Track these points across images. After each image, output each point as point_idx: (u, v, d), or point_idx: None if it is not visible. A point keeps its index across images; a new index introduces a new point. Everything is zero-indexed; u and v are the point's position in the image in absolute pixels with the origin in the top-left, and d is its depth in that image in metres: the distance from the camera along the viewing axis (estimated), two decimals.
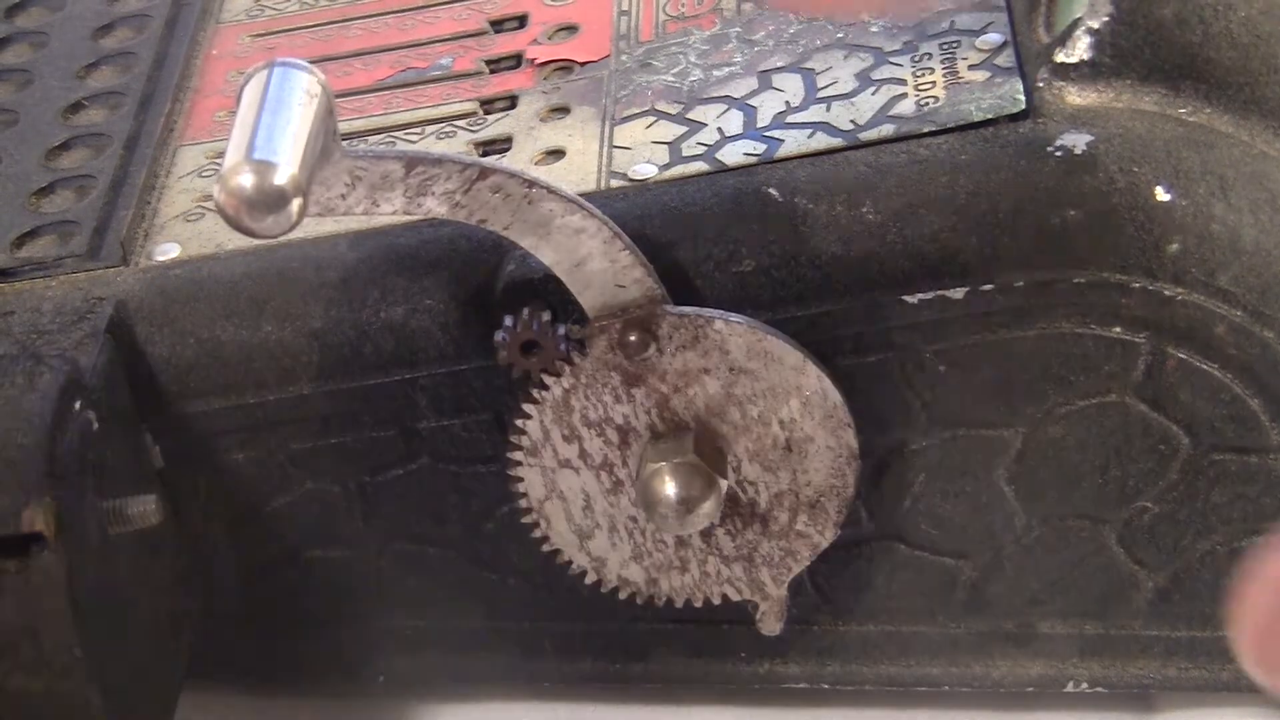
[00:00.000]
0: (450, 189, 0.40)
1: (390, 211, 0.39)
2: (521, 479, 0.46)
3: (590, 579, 0.47)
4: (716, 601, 0.47)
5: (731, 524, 0.45)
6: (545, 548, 0.47)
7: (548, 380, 0.44)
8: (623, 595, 0.47)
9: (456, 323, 0.46)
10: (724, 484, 0.44)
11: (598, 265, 0.42)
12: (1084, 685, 0.50)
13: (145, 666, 0.46)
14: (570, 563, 0.47)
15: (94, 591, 0.42)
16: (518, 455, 0.45)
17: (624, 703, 0.53)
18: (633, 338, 0.43)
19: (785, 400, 0.44)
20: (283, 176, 0.36)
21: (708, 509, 0.44)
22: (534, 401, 0.44)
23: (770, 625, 0.47)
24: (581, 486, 0.45)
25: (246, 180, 0.36)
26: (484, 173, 0.40)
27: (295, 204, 0.36)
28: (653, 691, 0.52)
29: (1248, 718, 0.51)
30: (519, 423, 0.45)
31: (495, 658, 0.52)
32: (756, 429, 0.44)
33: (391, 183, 0.39)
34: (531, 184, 0.40)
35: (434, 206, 0.40)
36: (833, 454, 0.44)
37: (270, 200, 0.36)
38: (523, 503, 0.46)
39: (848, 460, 0.44)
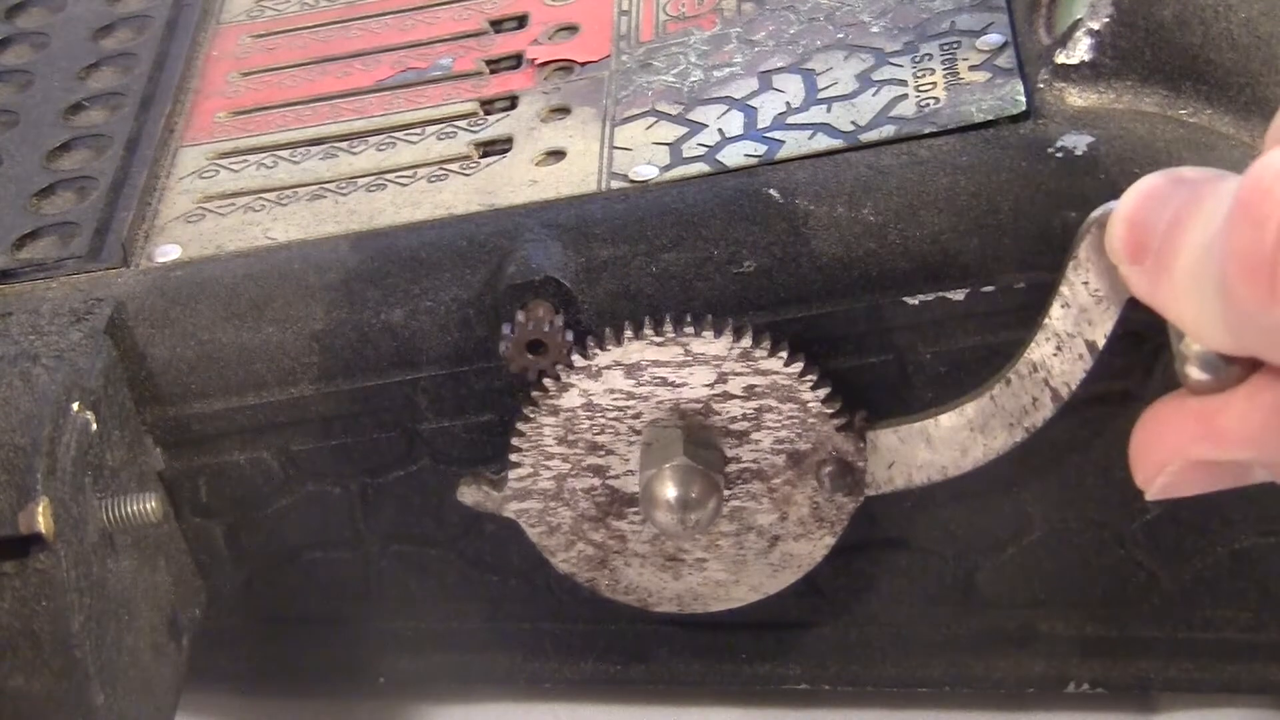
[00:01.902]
0: None
1: None
2: None
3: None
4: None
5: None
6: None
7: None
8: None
9: (457, 324, 0.46)
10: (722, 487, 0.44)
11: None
12: (1085, 686, 0.50)
13: (145, 667, 0.46)
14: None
15: (93, 592, 0.42)
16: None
17: (624, 704, 0.53)
18: (834, 470, 0.45)
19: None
20: None
21: (709, 511, 0.44)
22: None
23: (463, 492, 0.46)
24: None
25: None
26: None
27: None
28: (653, 692, 0.52)
29: (1249, 718, 0.51)
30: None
31: (496, 658, 0.52)
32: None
33: None
34: None
35: None
36: None
37: None
38: None
39: None
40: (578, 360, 0.43)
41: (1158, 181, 0.37)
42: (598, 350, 0.43)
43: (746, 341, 0.43)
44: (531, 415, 0.44)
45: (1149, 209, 0.37)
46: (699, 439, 0.44)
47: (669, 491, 0.43)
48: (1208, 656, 0.49)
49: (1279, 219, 0.33)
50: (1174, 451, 0.38)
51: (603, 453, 0.44)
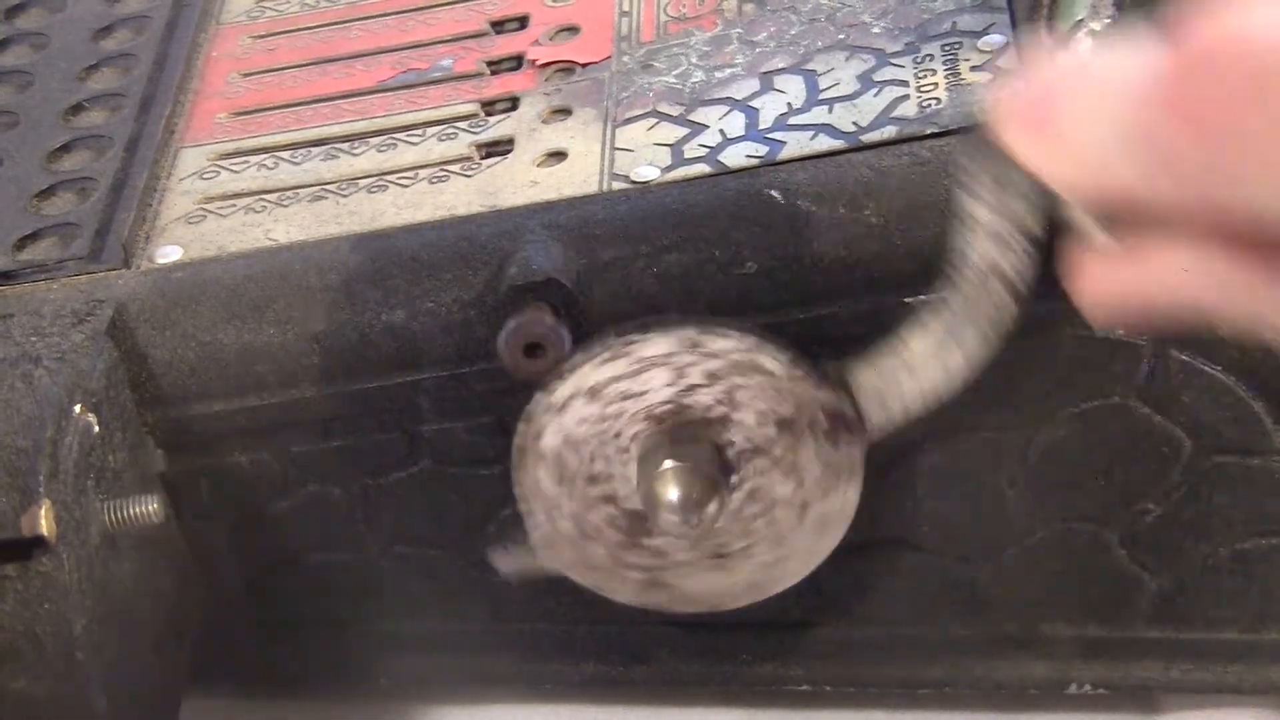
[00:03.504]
0: None
1: None
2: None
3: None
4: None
5: None
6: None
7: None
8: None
9: (458, 325, 0.46)
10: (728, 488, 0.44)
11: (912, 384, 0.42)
12: (1086, 687, 0.50)
13: (148, 670, 0.46)
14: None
15: (96, 595, 0.42)
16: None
17: (626, 704, 0.53)
18: (828, 423, 0.43)
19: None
20: None
21: (711, 512, 0.43)
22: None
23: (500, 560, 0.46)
24: None
25: None
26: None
27: None
28: (655, 693, 0.52)
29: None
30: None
31: (497, 659, 0.52)
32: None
33: None
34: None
35: None
36: None
37: None
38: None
39: None
40: (539, 401, 0.43)
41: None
42: (556, 383, 0.43)
43: (691, 332, 0.42)
44: (520, 465, 0.44)
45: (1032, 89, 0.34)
46: (685, 436, 0.43)
47: (669, 494, 0.43)
48: (1209, 657, 0.49)
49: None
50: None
51: (603, 480, 0.44)
